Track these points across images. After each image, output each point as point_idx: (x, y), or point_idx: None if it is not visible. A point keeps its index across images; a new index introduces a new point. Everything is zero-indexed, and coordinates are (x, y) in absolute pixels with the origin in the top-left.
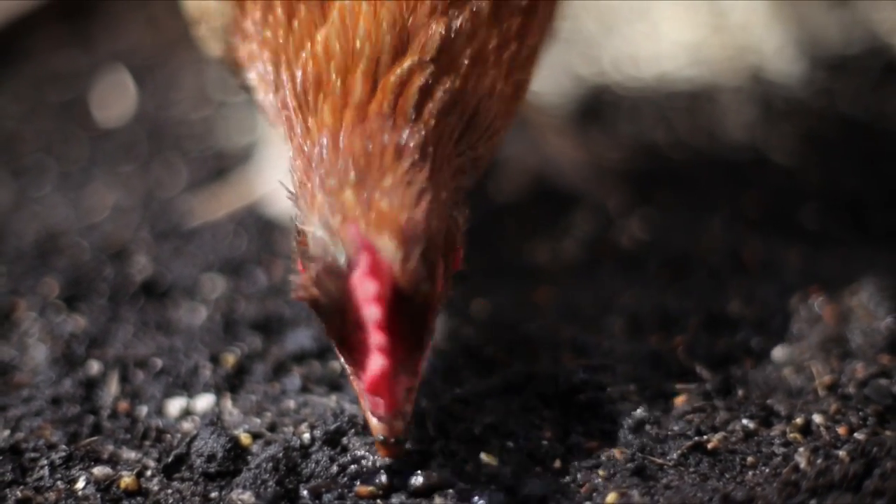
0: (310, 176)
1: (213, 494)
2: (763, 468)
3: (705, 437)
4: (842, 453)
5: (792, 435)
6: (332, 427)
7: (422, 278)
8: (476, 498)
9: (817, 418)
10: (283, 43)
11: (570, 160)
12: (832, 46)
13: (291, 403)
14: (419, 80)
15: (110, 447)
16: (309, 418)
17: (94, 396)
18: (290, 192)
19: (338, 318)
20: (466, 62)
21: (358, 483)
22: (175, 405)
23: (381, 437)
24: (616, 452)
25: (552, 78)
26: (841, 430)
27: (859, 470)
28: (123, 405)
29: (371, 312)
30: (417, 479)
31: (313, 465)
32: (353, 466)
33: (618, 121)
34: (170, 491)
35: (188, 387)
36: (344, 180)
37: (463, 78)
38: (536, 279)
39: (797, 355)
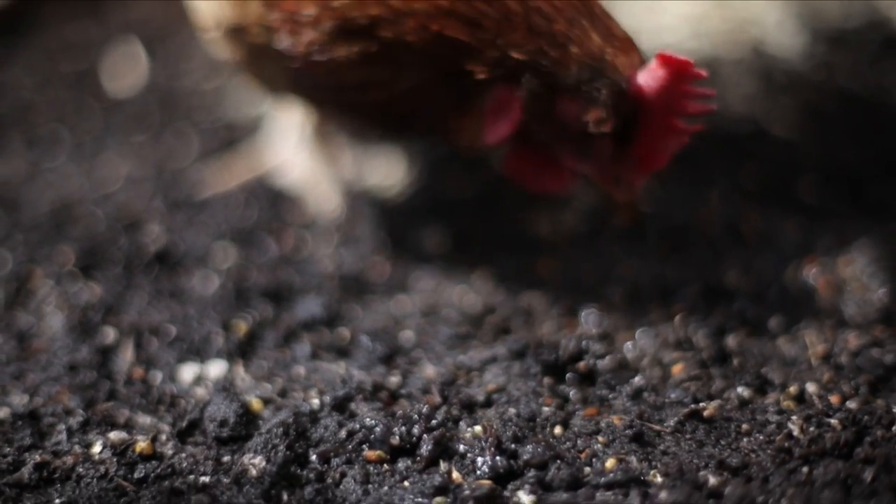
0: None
1: (226, 458)
2: (757, 435)
3: (701, 404)
4: (834, 421)
5: (786, 403)
6: (341, 393)
7: None
8: (479, 462)
9: (810, 387)
10: None
11: None
12: (832, 20)
13: (301, 370)
14: None
15: (126, 412)
16: (318, 384)
17: (110, 363)
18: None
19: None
20: None
21: (366, 448)
22: (188, 371)
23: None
24: (615, 419)
25: None
26: (833, 399)
27: (850, 438)
28: (138, 371)
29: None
30: (424, 447)
31: (322, 430)
32: (361, 432)
33: None
34: (184, 455)
35: (201, 353)
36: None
37: None
38: (538, 250)
39: (792, 325)
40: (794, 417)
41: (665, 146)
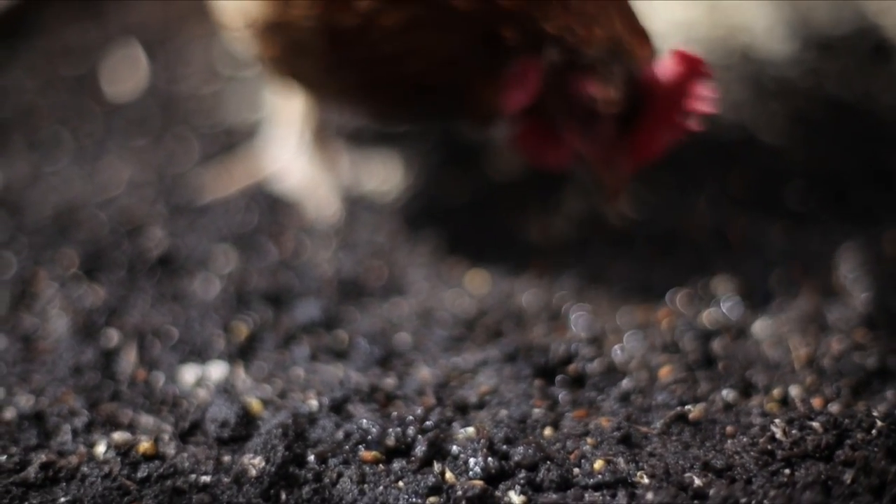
0: None
1: (226, 458)
2: (741, 437)
3: (688, 407)
4: (816, 424)
5: (769, 406)
6: (339, 395)
7: None
8: (472, 463)
9: (794, 391)
10: None
11: None
12: (821, 27)
13: (300, 372)
14: None
15: (129, 413)
16: (316, 386)
17: (114, 365)
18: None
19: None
20: None
21: (362, 448)
22: (190, 373)
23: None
24: (603, 421)
25: None
26: (816, 402)
27: (831, 440)
28: (141, 373)
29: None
30: (418, 448)
31: (320, 431)
32: (357, 433)
33: None
34: (185, 455)
35: (203, 356)
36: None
37: None
38: (529, 254)
39: (776, 329)
40: (777, 420)
41: (663, 138)
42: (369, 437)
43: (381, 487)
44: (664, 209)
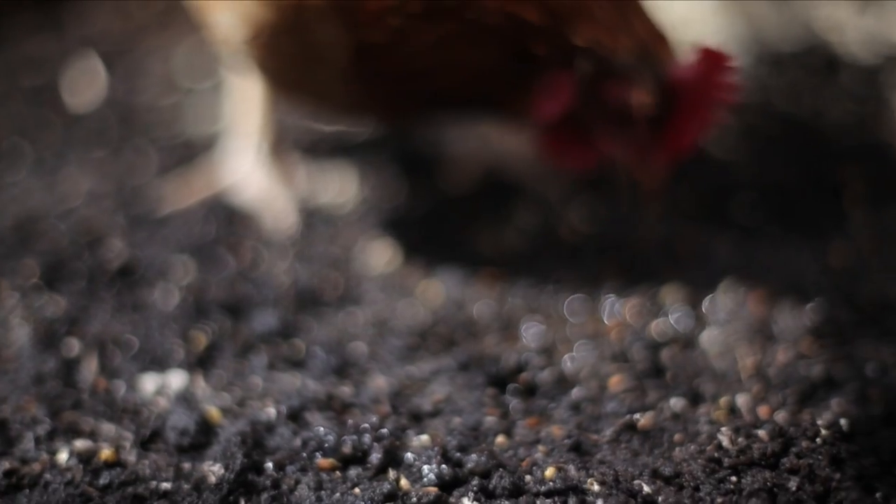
0: None
1: (186, 466)
2: (689, 445)
3: (637, 415)
4: (761, 433)
5: (716, 415)
6: (296, 403)
7: None
8: (426, 470)
9: (740, 399)
10: None
11: (516, 155)
12: (772, 43)
13: (258, 380)
14: None
15: (91, 421)
16: (274, 394)
17: (75, 374)
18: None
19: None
20: None
21: (319, 456)
22: (150, 382)
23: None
24: (554, 429)
25: None
26: (762, 411)
27: (777, 449)
28: (102, 382)
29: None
30: (374, 455)
31: (278, 438)
32: (314, 440)
33: None
34: (146, 462)
35: (162, 365)
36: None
37: None
38: (482, 265)
39: (724, 340)
40: (724, 429)
41: (693, 132)
42: (326, 444)
43: (337, 494)
44: (614, 222)
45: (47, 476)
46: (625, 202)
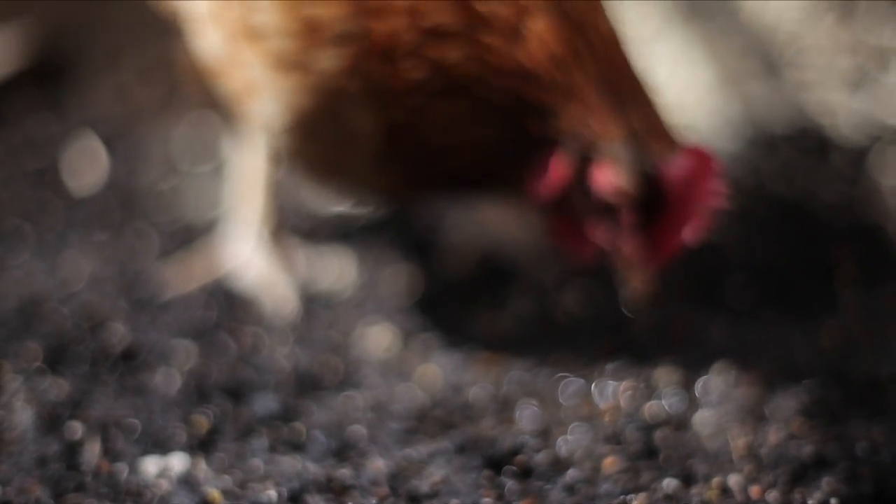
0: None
1: None
2: None
3: (630, 496)
4: None
5: (709, 494)
6: (296, 486)
7: None
8: None
9: (732, 479)
10: None
11: (513, 240)
12: (764, 125)
13: (259, 463)
14: None
15: (94, 503)
16: (275, 477)
17: (78, 456)
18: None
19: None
20: None
21: None
22: (153, 465)
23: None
24: None
25: None
26: (754, 491)
27: None
28: (105, 465)
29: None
30: None
31: None
32: None
33: None
34: None
35: (164, 447)
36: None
37: None
38: (478, 350)
39: (717, 420)
40: None
41: (679, 234)
42: None
43: None
44: (609, 305)
45: None
46: (618, 288)
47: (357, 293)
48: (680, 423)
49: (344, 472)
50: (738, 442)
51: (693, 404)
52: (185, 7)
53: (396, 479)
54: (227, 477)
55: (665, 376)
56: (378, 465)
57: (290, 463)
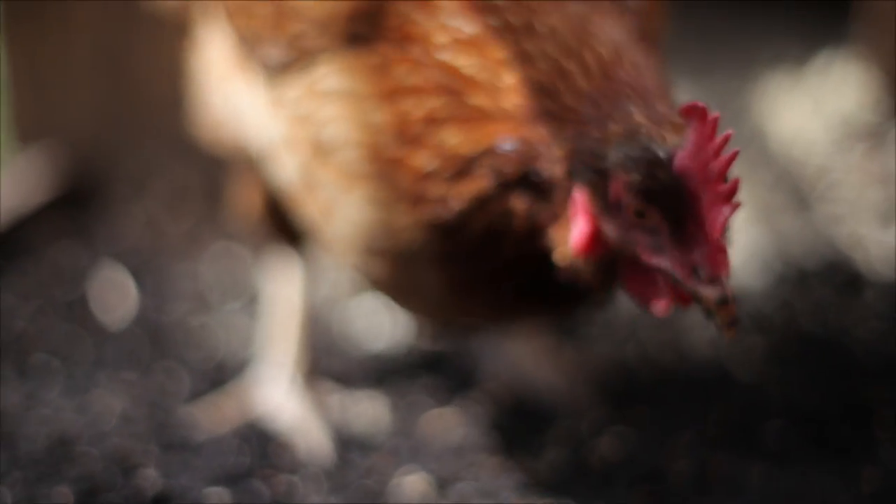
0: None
1: None
2: None
3: None
4: None
5: None
6: None
7: None
8: None
9: None
10: None
11: (548, 384)
12: (795, 261)
13: None
14: None
15: None
16: None
17: None
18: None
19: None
20: None
21: None
22: None
23: (722, 298)
24: None
25: None
26: None
27: None
28: None
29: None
30: None
31: None
32: None
33: (590, 337)
34: None
35: None
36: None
37: None
38: (514, 499)
39: None
40: None
41: (716, 214)
42: None
43: None
44: (645, 450)
45: None
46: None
47: (391, 439)
48: None
49: None
50: None
51: None
52: (255, 140)
53: None
54: None
55: None
56: None
57: None
